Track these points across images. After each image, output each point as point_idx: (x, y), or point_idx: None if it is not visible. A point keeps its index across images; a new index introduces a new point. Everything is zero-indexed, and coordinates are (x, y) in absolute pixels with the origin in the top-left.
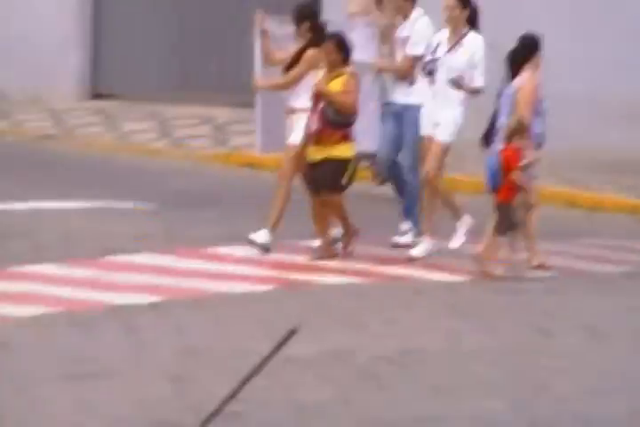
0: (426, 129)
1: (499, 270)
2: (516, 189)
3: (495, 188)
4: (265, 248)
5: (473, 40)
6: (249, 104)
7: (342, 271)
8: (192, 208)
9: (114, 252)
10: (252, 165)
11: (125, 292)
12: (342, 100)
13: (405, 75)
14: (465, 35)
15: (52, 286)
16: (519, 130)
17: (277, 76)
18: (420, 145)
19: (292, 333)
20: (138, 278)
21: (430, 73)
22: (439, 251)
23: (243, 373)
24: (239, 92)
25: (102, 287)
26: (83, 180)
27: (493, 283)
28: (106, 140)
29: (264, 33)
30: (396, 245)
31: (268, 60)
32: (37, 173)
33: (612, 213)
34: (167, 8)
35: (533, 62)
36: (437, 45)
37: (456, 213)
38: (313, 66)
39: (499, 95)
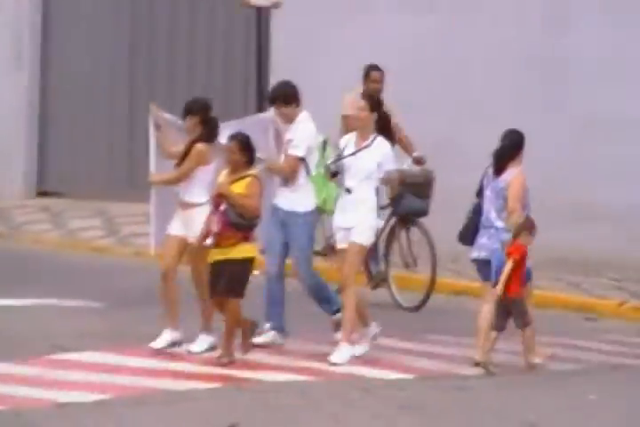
0: (341, 242)
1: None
2: (523, 282)
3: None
4: (176, 344)
5: (380, 144)
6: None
7: (286, 369)
8: (138, 305)
9: (60, 350)
10: None
11: (71, 390)
12: (246, 203)
13: (288, 176)
14: (373, 139)
15: None
16: (527, 227)
17: (171, 171)
18: (336, 257)
19: None
20: (83, 376)
21: (334, 175)
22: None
23: None
24: None
25: (48, 385)
26: (29, 277)
27: (440, 380)
28: (52, 237)
29: (157, 126)
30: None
31: (166, 154)
32: None
33: (560, 310)
34: (112, 107)
35: (519, 158)
36: (344, 148)
37: (364, 321)
38: (202, 161)
39: (479, 191)
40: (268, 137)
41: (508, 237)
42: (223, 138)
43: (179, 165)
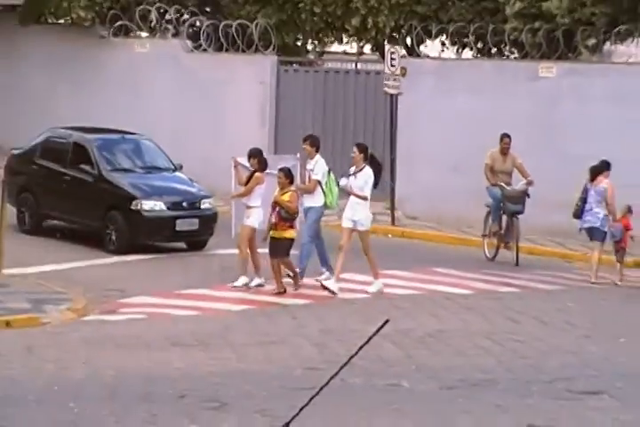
0: (346, 223)
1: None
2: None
3: (619, 240)
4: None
5: (365, 170)
6: None
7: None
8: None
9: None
10: None
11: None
12: (290, 206)
13: (311, 192)
14: (362, 168)
15: None
16: (630, 210)
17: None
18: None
19: (386, 321)
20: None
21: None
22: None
23: None
24: None
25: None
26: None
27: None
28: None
29: (236, 167)
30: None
31: (240, 182)
32: None
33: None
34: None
35: (606, 172)
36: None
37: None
38: (259, 182)
39: (585, 190)
40: (296, 169)
41: (602, 215)
42: (271, 165)
43: (244, 185)
